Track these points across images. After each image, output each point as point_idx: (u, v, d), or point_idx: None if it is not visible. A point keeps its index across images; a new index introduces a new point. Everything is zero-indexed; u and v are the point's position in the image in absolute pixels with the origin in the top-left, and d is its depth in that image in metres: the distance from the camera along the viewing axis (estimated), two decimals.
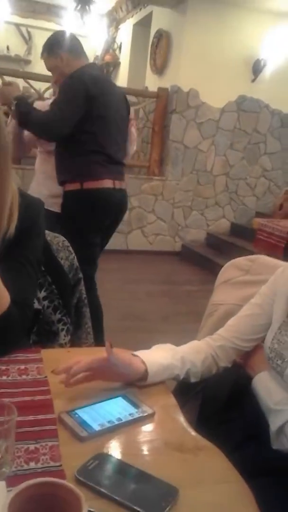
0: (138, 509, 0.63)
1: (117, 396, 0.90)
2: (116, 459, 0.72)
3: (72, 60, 2.48)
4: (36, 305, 1.45)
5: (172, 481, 0.69)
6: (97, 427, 0.80)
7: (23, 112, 2.44)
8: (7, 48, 7.35)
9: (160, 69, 5.67)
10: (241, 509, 0.67)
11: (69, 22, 6.93)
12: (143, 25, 6.38)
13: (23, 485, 0.48)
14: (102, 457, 0.72)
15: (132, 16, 6.85)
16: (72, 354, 1.12)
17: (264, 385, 1.05)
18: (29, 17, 6.88)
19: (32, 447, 0.73)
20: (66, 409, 0.84)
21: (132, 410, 0.87)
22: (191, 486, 0.70)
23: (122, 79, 7.08)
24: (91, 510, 0.58)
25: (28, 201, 1.15)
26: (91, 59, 7.80)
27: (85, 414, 0.84)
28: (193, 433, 0.83)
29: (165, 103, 5.28)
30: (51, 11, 7.02)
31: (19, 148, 2.67)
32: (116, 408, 0.87)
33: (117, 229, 5.09)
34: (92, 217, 2.48)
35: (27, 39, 7.43)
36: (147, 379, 0.97)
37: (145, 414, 0.86)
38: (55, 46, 2.49)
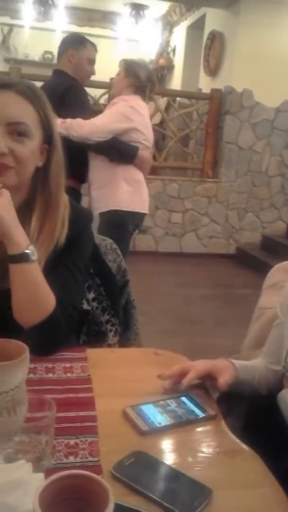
0: (171, 507, 0.64)
1: (181, 396, 0.92)
2: (152, 457, 0.74)
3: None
4: (85, 306, 1.50)
5: (207, 482, 0.69)
6: (160, 423, 0.83)
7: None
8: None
9: (213, 71, 5.64)
10: None
11: (124, 28, 7.06)
12: (197, 27, 6.38)
13: (55, 476, 0.50)
14: (139, 455, 0.74)
15: (186, 19, 6.86)
16: (118, 354, 1.15)
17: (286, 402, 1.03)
18: (86, 25, 7.06)
19: (72, 442, 0.76)
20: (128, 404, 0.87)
21: (196, 410, 0.88)
22: (225, 488, 0.70)
23: (176, 82, 7.11)
24: (121, 503, 0.60)
25: (77, 212, 1.21)
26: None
27: (149, 410, 0.86)
28: (232, 436, 0.83)
29: (219, 104, 5.24)
30: (106, 18, 7.17)
31: None
32: (180, 407, 0.89)
33: (171, 232, 5.17)
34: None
35: None
36: (237, 373, 1.01)
37: (206, 416, 0.87)
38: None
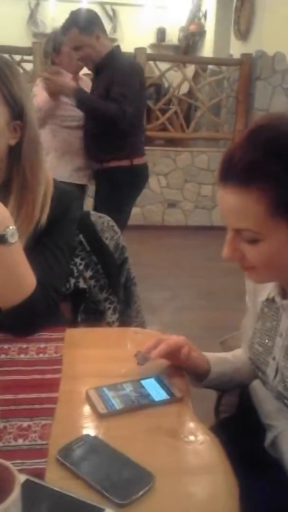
0: (106, 494, 0.63)
1: (149, 377, 0.91)
2: (101, 441, 0.73)
3: (104, 39, 2.55)
4: (82, 284, 1.50)
5: (157, 469, 0.68)
6: (119, 406, 0.81)
7: (93, 109, 2.58)
8: None
9: (244, 35, 5.40)
10: (218, 503, 0.64)
11: None
12: None
13: None
14: (88, 439, 0.73)
15: None
16: (97, 333, 1.14)
17: (256, 394, 0.99)
18: None
19: (25, 424, 0.76)
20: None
21: (162, 392, 0.86)
22: (173, 474, 0.69)
23: (207, 49, 6.86)
24: (53, 487, 0.60)
25: (61, 191, 1.19)
26: (175, 31, 7.67)
27: (112, 391, 0.85)
28: (194, 423, 0.81)
29: (249, 70, 5.02)
30: None
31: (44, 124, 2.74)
32: (146, 389, 0.87)
33: (201, 205, 5.14)
34: (136, 189, 2.80)
35: (112, 17, 7.46)
36: (210, 369, 0.98)
37: (172, 398, 0.85)
38: (91, 23, 2.52)
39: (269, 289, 0.95)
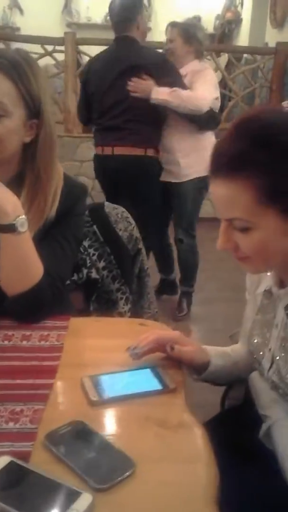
0: (85, 477, 0.65)
1: (145, 367, 0.92)
2: (88, 427, 0.75)
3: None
4: (94, 274, 1.52)
5: (140, 456, 0.69)
6: (111, 394, 0.84)
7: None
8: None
9: (280, 22, 5.26)
10: (196, 490, 0.65)
11: None
12: None
13: None
14: (76, 424, 0.75)
15: None
16: (102, 323, 1.16)
17: (254, 385, 0.99)
18: None
19: (18, 408, 0.79)
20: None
21: (156, 383, 0.88)
22: (155, 462, 0.70)
23: (243, 37, 6.73)
24: (35, 470, 0.62)
25: (71, 185, 1.21)
26: (211, 18, 7.55)
27: (107, 380, 0.87)
28: (184, 413, 0.82)
29: (284, 59, 4.90)
30: None
31: None
32: (141, 379, 0.89)
33: None
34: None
35: (147, 7, 7.40)
36: (211, 361, 0.99)
37: (165, 389, 0.86)
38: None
39: (267, 280, 0.95)
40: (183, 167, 2.80)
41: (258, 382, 0.98)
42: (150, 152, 2.70)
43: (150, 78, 2.56)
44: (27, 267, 1.08)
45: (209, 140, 2.80)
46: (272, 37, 5.51)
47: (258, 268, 0.90)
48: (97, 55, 2.79)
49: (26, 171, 1.14)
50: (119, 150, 2.65)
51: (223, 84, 5.29)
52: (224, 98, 5.63)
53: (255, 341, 0.97)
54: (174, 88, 2.58)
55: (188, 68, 2.78)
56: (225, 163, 0.77)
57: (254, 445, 0.93)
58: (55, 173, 1.16)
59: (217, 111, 2.86)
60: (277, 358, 0.89)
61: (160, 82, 2.56)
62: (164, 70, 2.64)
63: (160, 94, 2.56)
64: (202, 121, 2.72)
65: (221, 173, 0.78)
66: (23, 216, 1.04)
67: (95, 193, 4.83)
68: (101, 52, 2.76)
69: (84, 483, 0.65)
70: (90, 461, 0.68)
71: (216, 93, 2.81)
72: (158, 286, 3.22)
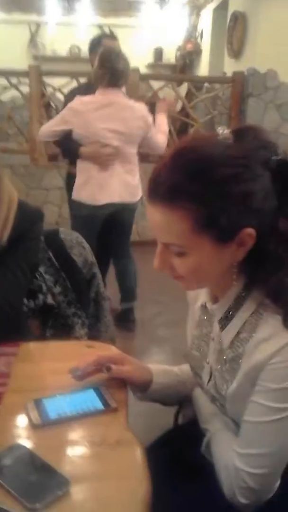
0: (20, 499, 0.67)
1: (88, 388, 0.94)
2: (28, 450, 0.77)
3: None
4: (50, 300, 1.54)
5: (76, 475, 0.71)
6: (53, 416, 0.85)
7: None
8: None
9: (237, 53, 5.49)
10: (129, 507, 0.68)
11: (149, 16, 6.98)
12: (222, 8, 6.20)
13: None
14: (15, 448, 0.77)
15: (212, 1, 6.69)
16: (50, 347, 1.18)
17: (196, 400, 1.03)
18: (111, 15, 7.04)
19: None
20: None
21: (98, 403, 0.90)
22: (91, 480, 0.72)
23: (204, 67, 6.97)
24: None
25: (25, 211, 1.24)
26: (173, 50, 7.81)
27: (50, 403, 0.89)
28: (123, 431, 0.84)
29: (241, 87, 5.10)
30: (132, 7, 7.11)
31: None
32: (83, 400, 0.91)
33: None
34: None
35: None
36: (153, 379, 1.01)
37: (106, 409, 0.89)
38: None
39: (202, 296, 0.99)
40: None
41: (200, 397, 1.02)
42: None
43: None
44: None
45: (78, 167, 2.82)
46: (230, 66, 5.73)
47: (192, 287, 0.94)
48: None
49: None
50: None
51: (184, 112, 5.46)
52: (187, 125, 5.80)
53: (194, 354, 1.00)
54: None
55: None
56: (161, 192, 0.80)
57: (198, 460, 0.95)
58: (3, 198, 1.19)
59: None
60: (214, 370, 0.93)
61: None
62: None
63: None
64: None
65: (157, 201, 0.81)
66: None
67: (62, 220, 4.88)
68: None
69: (19, 503, 0.66)
70: (26, 482, 0.70)
71: (56, 127, 2.77)
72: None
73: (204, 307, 0.99)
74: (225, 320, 0.89)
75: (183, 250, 0.82)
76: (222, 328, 0.89)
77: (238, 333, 0.86)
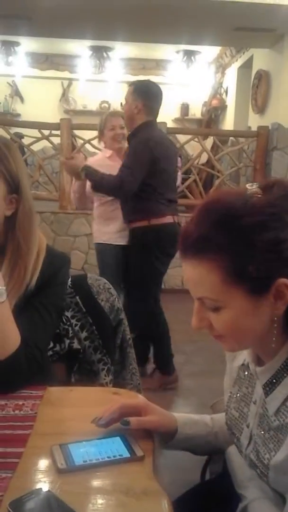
0: None
1: (115, 436, 0.93)
2: (53, 495, 0.76)
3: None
4: (76, 345, 1.55)
5: None
6: (79, 462, 0.85)
7: (96, 181, 2.85)
8: (121, 104, 7.97)
9: (261, 108, 5.67)
10: None
11: (176, 74, 7.32)
12: (247, 67, 6.48)
13: None
14: (41, 492, 0.76)
15: (236, 60, 7.00)
16: (77, 393, 1.18)
17: (231, 461, 0.99)
18: (140, 74, 7.40)
19: None
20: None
21: (124, 451, 0.89)
22: None
23: (228, 122, 7.20)
24: None
25: (52, 256, 1.28)
26: (199, 106, 8.11)
27: (76, 448, 0.88)
28: (149, 481, 0.82)
29: (266, 141, 5.22)
30: (159, 66, 7.48)
31: (84, 201, 3.23)
32: (110, 447, 0.90)
33: None
34: (160, 247, 2.91)
35: None
36: (177, 430, 0.99)
37: (132, 457, 0.88)
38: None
39: (244, 355, 0.96)
40: None
41: (236, 458, 0.97)
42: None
43: None
44: (4, 336, 1.12)
45: None
46: (254, 121, 5.90)
47: (233, 347, 0.89)
48: (155, 133, 2.92)
49: (8, 242, 1.21)
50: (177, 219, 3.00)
51: (209, 164, 5.59)
52: (212, 177, 5.93)
53: (232, 414, 0.96)
54: None
55: None
56: (190, 245, 0.81)
57: None
58: (35, 244, 1.23)
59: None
60: (255, 435, 0.88)
61: None
62: None
63: None
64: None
65: (188, 255, 0.82)
66: (2, 287, 1.10)
67: (88, 266, 4.95)
68: (156, 131, 2.97)
69: None
70: None
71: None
72: None
73: (246, 366, 0.95)
74: (271, 385, 0.84)
75: (218, 304, 0.80)
76: (267, 393, 0.85)
77: (285, 400, 0.82)
